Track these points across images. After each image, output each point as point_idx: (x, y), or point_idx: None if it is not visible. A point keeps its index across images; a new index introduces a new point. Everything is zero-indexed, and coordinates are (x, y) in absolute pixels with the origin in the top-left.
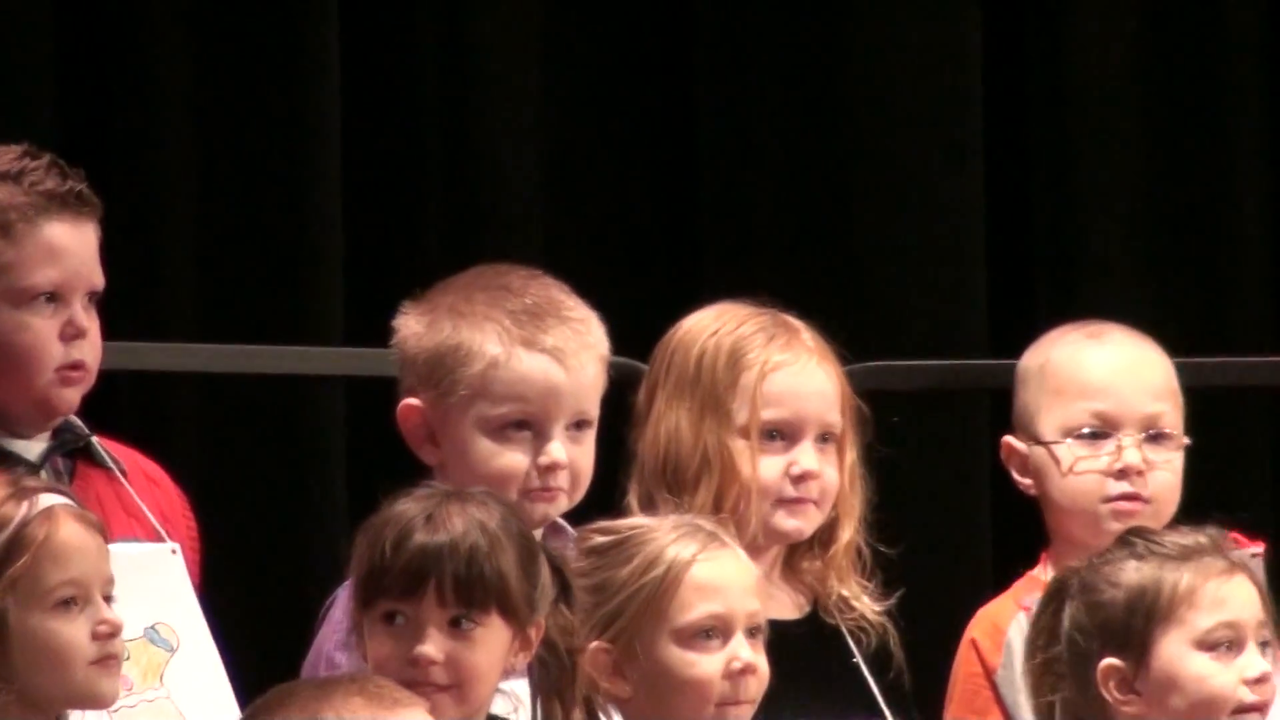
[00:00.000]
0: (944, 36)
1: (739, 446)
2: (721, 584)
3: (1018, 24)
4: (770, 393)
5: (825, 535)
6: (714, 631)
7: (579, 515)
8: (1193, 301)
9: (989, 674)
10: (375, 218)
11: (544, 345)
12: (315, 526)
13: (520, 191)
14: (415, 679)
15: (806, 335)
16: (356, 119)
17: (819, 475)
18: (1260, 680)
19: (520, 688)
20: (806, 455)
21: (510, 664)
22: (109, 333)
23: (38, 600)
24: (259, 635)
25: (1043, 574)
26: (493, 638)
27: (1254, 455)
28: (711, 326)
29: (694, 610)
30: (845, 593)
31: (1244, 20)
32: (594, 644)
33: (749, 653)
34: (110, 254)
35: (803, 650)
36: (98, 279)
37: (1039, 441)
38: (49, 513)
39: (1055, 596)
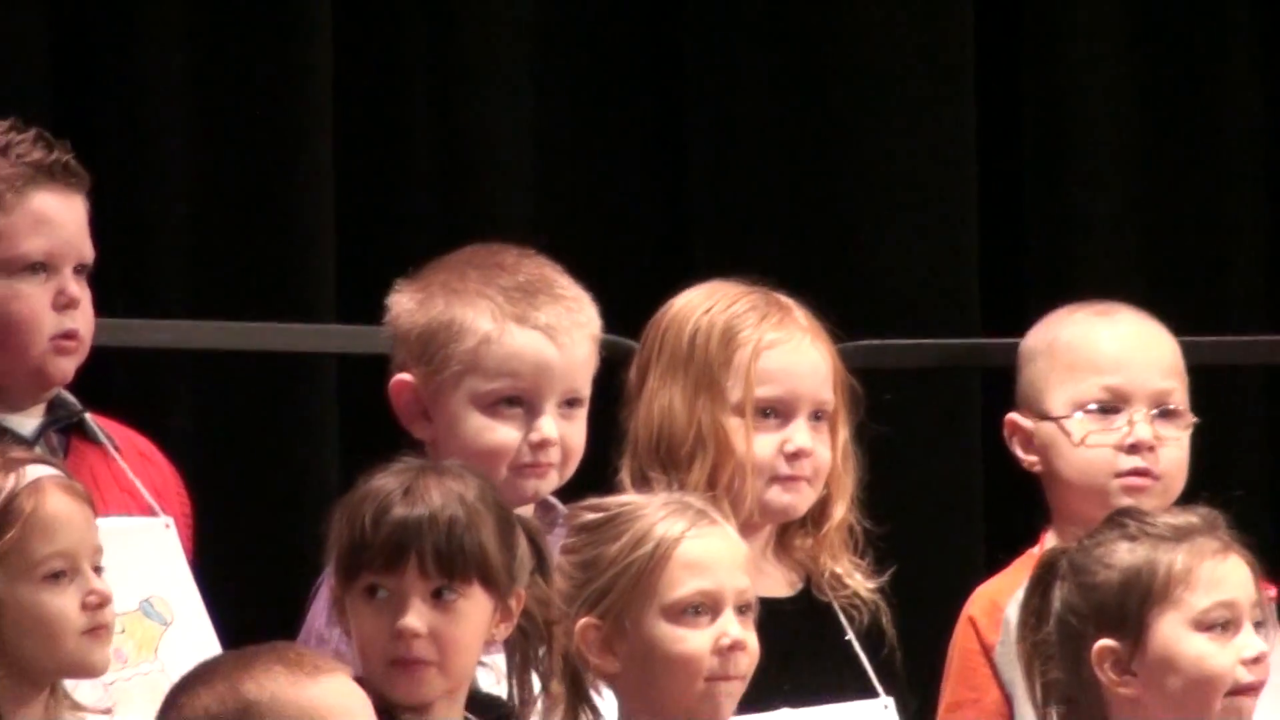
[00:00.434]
0: (936, 11)
1: (733, 424)
2: (710, 561)
3: (1015, 2)
4: (764, 370)
5: (818, 513)
6: (702, 608)
7: (570, 493)
8: (1187, 281)
9: (987, 651)
10: (367, 196)
11: (536, 322)
12: (307, 502)
13: (511, 170)
14: (400, 654)
15: (799, 313)
16: (349, 97)
17: (812, 453)
18: (1257, 660)
19: (501, 661)
20: (800, 433)
21: (491, 635)
22: (102, 310)
23: (26, 573)
24: (252, 610)
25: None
26: (475, 609)
27: (1247, 433)
28: (704, 305)
29: (683, 587)
30: (838, 570)
31: (1239, 1)
32: (583, 620)
33: (738, 629)
34: (103, 231)
35: (795, 628)
36: (87, 251)
37: (1048, 417)
38: (36, 485)
39: (1044, 578)
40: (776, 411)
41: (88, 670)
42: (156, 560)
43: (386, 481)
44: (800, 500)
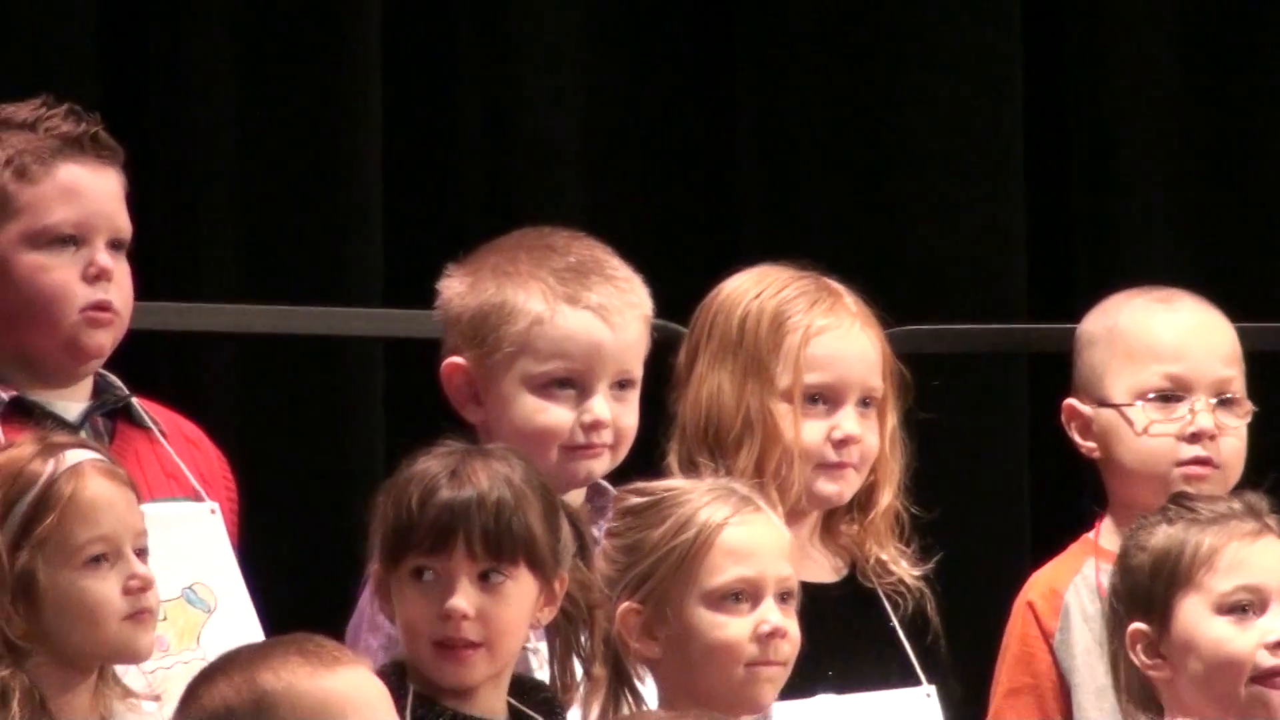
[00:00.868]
0: None
1: (781, 410)
2: (752, 548)
3: None
4: (813, 357)
5: (864, 499)
6: (743, 595)
7: (619, 476)
8: (1235, 266)
9: (1047, 637)
10: (415, 179)
11: (588, 303)
12: (354, 487)
13: (560, 154)
14: (448, 635)
15: (849, 299)
16: (398, 80)
17: (860, 440)
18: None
19: (543, 646)
20: (848, 420)
21: (536, 619)
22: (148, 293)
23: (67, 558)
24: (297, 596)
25: (1099, 539)
26: (521, 591)
27: None
28: (754, 290)
29: (724, 573)
30: (883, 556)
31: None
32: (625, 604)
33: (778, 616)
34: (150, 214)
35: (840, 613)
36: (122, 224)
37: (1107, 404)
38: (76, 469)
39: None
40: (825, 398)
41: (131, 655)
42: (201, 546)
43: (432, 464)
44: (846, 487)
